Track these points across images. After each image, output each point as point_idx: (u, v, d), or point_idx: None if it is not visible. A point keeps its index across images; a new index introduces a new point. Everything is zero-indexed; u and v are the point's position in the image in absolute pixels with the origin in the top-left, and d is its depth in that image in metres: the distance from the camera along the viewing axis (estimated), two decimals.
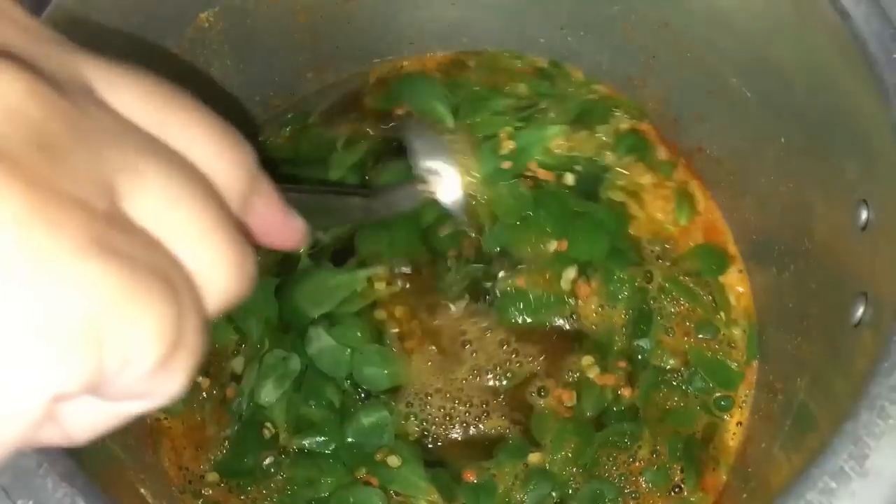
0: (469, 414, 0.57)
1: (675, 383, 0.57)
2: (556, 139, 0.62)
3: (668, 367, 0.57)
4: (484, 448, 0.56)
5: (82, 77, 0.24)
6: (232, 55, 0.58)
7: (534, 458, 0.55)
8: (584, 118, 0.63)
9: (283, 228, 0.31)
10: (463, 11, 0.62)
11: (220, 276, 0.24)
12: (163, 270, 0.22)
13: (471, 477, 0.55)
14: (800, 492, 0.35)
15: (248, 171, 0.27)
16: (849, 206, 0.45)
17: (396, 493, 0.55)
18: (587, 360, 0.57)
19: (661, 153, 0.63)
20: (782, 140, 0.52)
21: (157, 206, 0.23)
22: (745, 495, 0.50)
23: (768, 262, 0.56)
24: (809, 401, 0.47)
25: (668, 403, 0.57)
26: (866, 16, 0.43)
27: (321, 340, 0.57)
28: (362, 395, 0.57)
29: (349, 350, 0.57)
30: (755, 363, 0.57)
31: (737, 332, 0.58)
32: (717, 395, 0.57)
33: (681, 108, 0.60)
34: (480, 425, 0.57)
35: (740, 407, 0.56)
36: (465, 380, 0.58)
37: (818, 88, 0.48)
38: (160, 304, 0.22)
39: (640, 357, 0.58)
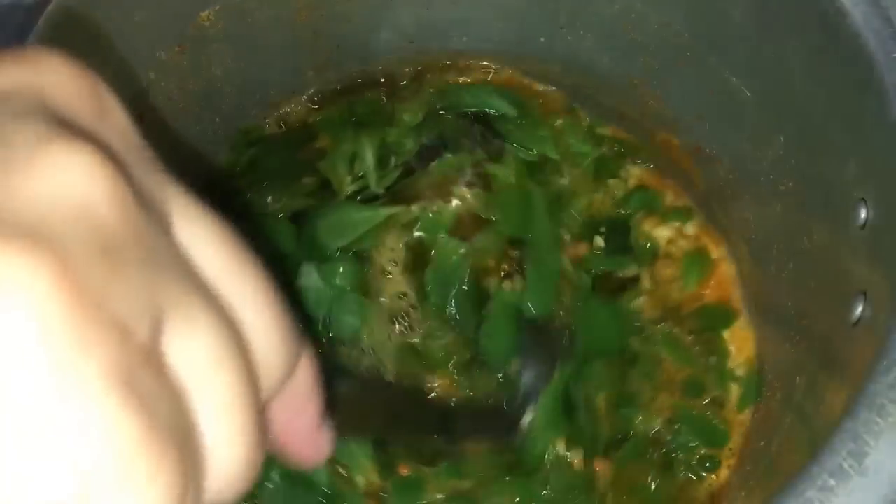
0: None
1: (655, 456, 0.55)
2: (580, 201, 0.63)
3: (652, 432, 0.56)
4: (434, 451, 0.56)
5: (163, 201, 0.22)
6: (232, 54, 0.58)
7: (465, 485, 0.55)
8: (599, 173, 0.64)
9: (305, 441, 0.28)
10: (463, 10, 0.62)
11: (230, 458, 0.21)
12: (181, 435, 0.19)
13: (404, 471, 0.55)
14: (800, 490, 0.35)
15: (289, 362, 0.24)
16: (848, 204, 0.45)
17: (341, 466, 0.54)
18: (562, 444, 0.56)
19: (669, 198, 0.63)
20: (781, 139, 0.52)
21: (198, 359, 0.20)
22: (743, 493, 0.50)
23: (767, 261, 0.56)
24: (808, 399, 0.47)
25: (646, 477, 0.55)
26: (865, 15, 0.43)
27: (310, 278, 0.57)
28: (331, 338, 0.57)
29: (332, 293, 0.57)
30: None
31: (733, 386, 0.57)
32: (703, 453, 0.55)
33: (680, 107, 0.60)
34: None
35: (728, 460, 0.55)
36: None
37: (818, 88, 0.48)
38: (170, 476, 0.18)
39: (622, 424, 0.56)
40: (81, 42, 0.47)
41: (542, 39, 0.62)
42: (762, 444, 0.51)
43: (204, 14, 0.55)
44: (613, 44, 0.60)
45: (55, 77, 0.21)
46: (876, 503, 0.34)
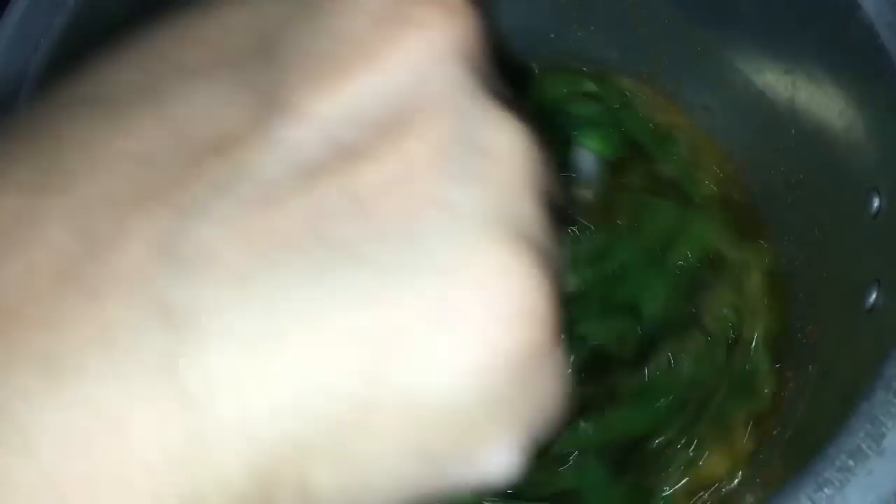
0: None
1: None
2: None
3: None
4: None
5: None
6: None
7: None
8: None
9: None
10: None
11: None
12: None
13: None
14: (818, 470, 0.35)
15: None
16: (860, 194, 0.46)
17: None
18: None
19: None
20: (792, 131, 0.52)
21: None
22: (758, 480, 0.50)
23: (778, 252, 0.57)
24: (821, 386, 0.47)
25: None
26: (878, 7, 0.44)
27: None
28: None
29: None
30: None
31: None
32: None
33: (690, 101, 0.61)
34: None
35: None
36: None
37: (829, 79, 0.48)
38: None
39: None
40: (104, 37, 0.48)
41: (552, 35, 0.63)
42: (776, 433, 0.51)
43: None
44: (623, 38, 0.61)
45: (468, 27, 0.21)
46: (894, 482, 0.35)
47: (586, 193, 0.59)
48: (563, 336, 0.20)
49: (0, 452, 0.15)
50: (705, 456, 0.53)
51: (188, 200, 0.18)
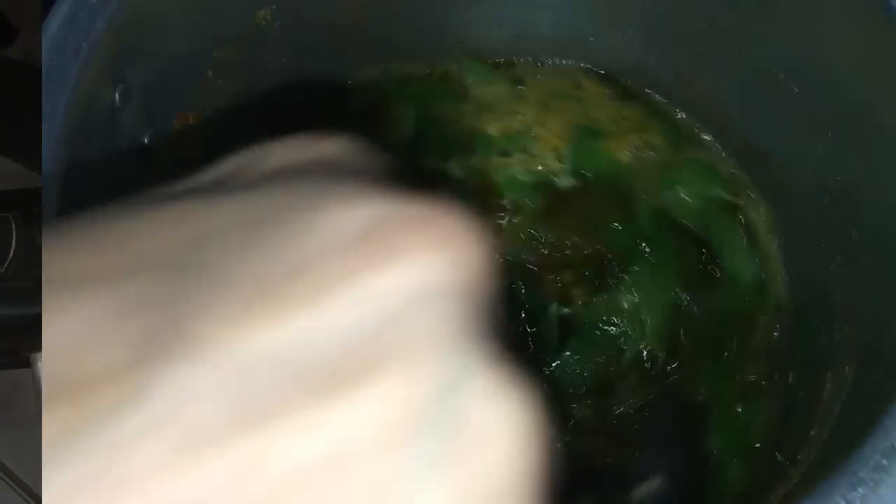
0: None
1: None
2: None
3: None
4: None
5: None
6: (287, 53, 0.59)
7: None
8: None
9: None
10: (513, 10, 0.63)
11: None
12: None
13: None
14: (852, 469, 0.35)
15: None
16: None
17: None
18: None
19: None
20: (829, 134, 0.52)
21: None
22: (795, 480, 0.50)
23: (814, 256, 0.56)
24: (858, 387, 0.47)
25: None
26: None
27: None
28: None
29: None
30: None
31: None
32: None
33: (727, 104, 0.61)
34: None
35: None
36: None
37: (865, 81, 0.48)
38: None
39: None
40: (143, 42, 0.49)
41: (592, 38, 0.63)
42: (812, 433, 0.51)
43: (260, 13, 0.56)
44: (662, 42, 0.61)
45: (464, 258, 0.16)
46: None
47: None
48: None
49: None
50: None
51: None
